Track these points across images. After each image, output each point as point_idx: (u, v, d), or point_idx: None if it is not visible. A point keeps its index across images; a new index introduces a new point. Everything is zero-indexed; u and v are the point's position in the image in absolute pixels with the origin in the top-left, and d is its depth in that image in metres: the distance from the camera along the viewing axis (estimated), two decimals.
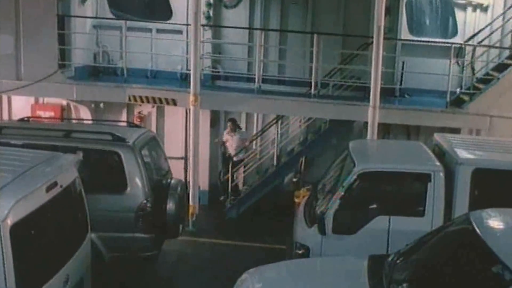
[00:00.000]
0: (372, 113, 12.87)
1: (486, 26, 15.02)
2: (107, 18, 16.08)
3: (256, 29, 15.50)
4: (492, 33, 14.91)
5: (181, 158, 15.94)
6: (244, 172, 15.79)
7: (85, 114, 15.58)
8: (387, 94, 14.38)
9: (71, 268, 7.53)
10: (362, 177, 9.10)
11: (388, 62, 14.26)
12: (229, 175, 14.81)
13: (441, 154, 9.89)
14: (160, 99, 14.62)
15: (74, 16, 15.09)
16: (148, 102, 14.80)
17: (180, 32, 15.83)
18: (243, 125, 16.31)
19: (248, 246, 11.18)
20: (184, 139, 15.83)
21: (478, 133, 13.68)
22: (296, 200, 12.09)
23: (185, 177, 14.91)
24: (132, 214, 9.92)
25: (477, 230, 6.67)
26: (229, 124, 15.15)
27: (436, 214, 8.97)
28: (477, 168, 9.03)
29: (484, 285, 6.21)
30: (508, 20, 14.95)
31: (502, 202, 7.69)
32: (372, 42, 13.05)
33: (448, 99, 13.89)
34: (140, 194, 10.02)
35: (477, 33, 14.96)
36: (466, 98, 13.96)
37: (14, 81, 14.39)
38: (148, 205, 10.02)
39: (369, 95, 12.92)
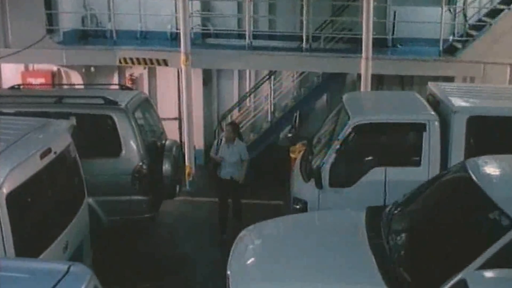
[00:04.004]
0: (365, 65, 12.78)
1: None
2: None
3: None
4: None
5: (175, 118, 15.86)
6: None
7: (76, 79, 15.45)
8: (380, 45, 14.27)
9: (70, 234, 7.53)
10: (357, 129, 9.06)
11: (379, 12, 14.11)
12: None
13: (435, 103, 9.84)
14: (151, 60, 14.49)
15: None
16: (139, 63, 14.68)
17: None
18: (235, 82, 16.18)
19: (245, 204, 11.18)
20: (177, 99, 15.73)
21: (472, 80, 13.62)
22: (292, 155, 12.11)
23: (180, 137, 14.86)
24: (128, 177, 9.90)
25: (474, 178, 6.68)
26: (227, 128, 11.16)
27: (432, 164, 8.97)
28: (472, 116, 9.00)
29: (482, 232, 6.25)
30: None
31: (498, 149, 7.70)
32: None
33: (441, 47, 13.80)
34: (135, 156, 9.99)
35: None
36: (459, 45, 13.86)
37: (2, 49, 14.21)
38: (144, 167, 9.99)
39: (361, 47, 12.82)
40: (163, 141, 11.18)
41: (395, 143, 9.53)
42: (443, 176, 7.72)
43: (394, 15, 15.07)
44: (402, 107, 10.04)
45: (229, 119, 15.41)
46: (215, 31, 15.88)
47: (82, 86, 14.62)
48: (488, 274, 5.68)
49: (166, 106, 15.52)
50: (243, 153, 10.83)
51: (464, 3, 14.43)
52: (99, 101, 10.24)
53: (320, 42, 14.81)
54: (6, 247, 6.24)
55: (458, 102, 9.37)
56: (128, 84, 15.26)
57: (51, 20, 14.71)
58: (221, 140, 10.97)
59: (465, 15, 14.54)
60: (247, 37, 14.30)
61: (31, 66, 15.87)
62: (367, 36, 12.62)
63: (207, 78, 15.93)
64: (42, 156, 7.14)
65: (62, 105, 10.29)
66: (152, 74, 16.04)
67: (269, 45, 15.01)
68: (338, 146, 9.00)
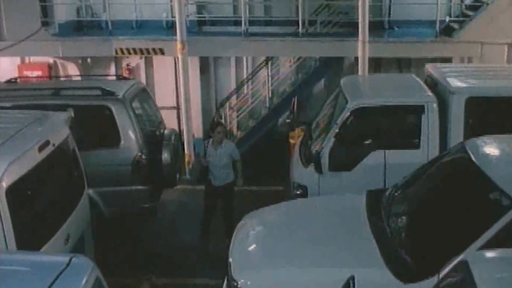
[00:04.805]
0: (362, 48, 12.74)
1: None
2: None
3: None
4: None
5: (173, 107, 15.87)
6: (237, 116, 15.73)
7: (72, 70, 15.43)
8: (376, 28, 14.22)
9: (71, 226, 7.53)
10: (356, 113, 9.04)
11: None
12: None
13: (433, 84, 9.82)
14: (147, 50, 14.45)
15: None
16: (136, 53, 14.64)
17: None
18: (232, 69, 16.12)
19: (245, 190, 11.17)
20: (174, 88, 15.71)
21: (470, 61, 13.58)
22: (291, 141, 12.09)
23: (179, 126, 14.85)
24: (128, 167, 9.89)
25: (473, 158, 6.68)
26: (218, 130, 9.99)
27: (431, 145, 8.96)
28: (471, 97, 8.96)
29: (482, 212, 6.25)
30: None
31: (496, 129, 7.69)
32: None
33: (437, 28, 13.75)
34: (134, 146, 9.97)
35: None
36: (456, 26, 13.81)
37: None
38: (143, 157, 9.99)
39: (358, 30, 12.77)
40: (162, 130, 11.17)
41: (394, 125, 9.50)
42: (442, 158, 7.72)
43: None
44: (400, 90, 10.02)
45: (227, 107, 15.38)
46: (210, 19, 15.83)
47: (79, 78, 14.58)
48: (490, 254, 5.68)
49: (164, 95, 15.50)
50: (234, 153, 10.06)
51: None
52: (96, 92, 10.23)
53: (317, 27, 14.76)
54: (8, 241, 6.25)
55: (456, 83, 9.35)
56: (125, 74, 15.25)
57: (46, 12, 14.65)
58: (208, 142, 10.07)
59: None
60: (243, 23, 14.24)
61: (27, 59, 15.84)
62: (363, 19, 12.57)
63: (204, 66, 15.90)
64: (41, 148, 7.13)
65: (59, 97, 10.28)
66: (149, 64, 16.01)
67: (266, 31, 14.96)
68: (337, 130, 8.98)
